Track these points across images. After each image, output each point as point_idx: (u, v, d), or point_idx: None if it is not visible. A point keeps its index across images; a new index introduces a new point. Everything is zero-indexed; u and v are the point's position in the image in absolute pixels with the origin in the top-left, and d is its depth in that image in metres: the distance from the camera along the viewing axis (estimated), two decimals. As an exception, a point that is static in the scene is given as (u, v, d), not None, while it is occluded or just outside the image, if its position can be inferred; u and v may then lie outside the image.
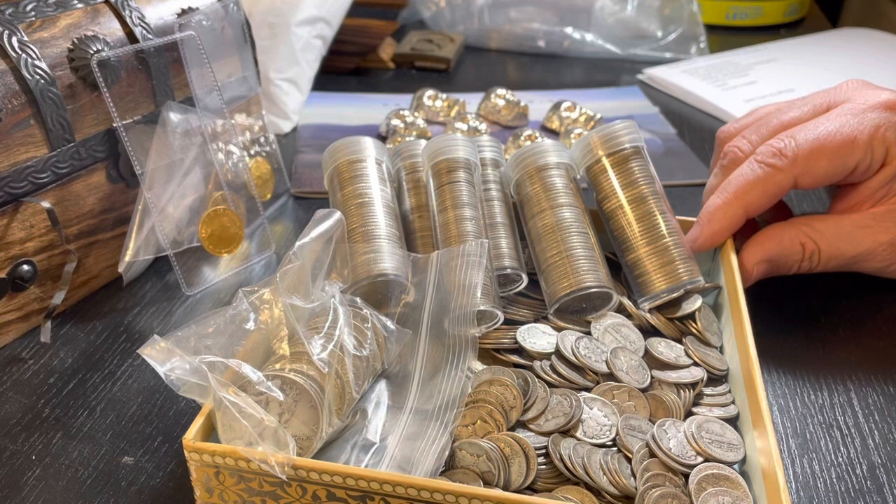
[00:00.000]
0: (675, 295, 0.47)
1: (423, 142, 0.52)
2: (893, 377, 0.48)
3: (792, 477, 0.41)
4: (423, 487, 0.33)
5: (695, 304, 0.47)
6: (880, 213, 0.50)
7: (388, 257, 0.45)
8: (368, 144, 0.50)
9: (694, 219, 0.52)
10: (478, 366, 0.44)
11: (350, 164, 0.49)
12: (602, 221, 0.50)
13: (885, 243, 0.50)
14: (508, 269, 0.48)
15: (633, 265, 0.48)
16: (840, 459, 0.42)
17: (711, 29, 1.06)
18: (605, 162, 0.49)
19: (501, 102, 0.80)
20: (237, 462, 0.35)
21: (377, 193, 0.48)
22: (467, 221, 0.47)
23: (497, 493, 0.33)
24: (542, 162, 0.50)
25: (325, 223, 0.44)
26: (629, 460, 0.38)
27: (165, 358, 0.36)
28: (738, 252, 0.50)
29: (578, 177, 0.51)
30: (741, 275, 0.49)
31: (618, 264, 0.50)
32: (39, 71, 0.48)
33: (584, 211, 0.49)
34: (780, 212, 0.57)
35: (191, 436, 0.35)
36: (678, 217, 0.50)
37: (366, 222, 0.47)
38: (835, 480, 0.41)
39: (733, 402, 0.42)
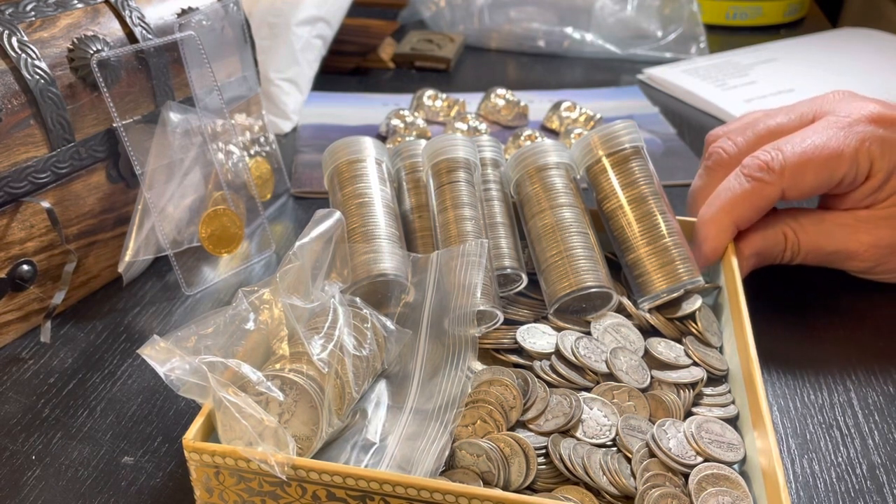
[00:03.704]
0: (674, 295, 0.47)
1: (423, 142, 0.52)
2: (893, 377, 0.48)
3: (792, 477, 0.41)
4: (422, 487, 0.33)
5: (695, 304, 0.47)
6: (862, 216, 0.51)
7: (387, 257, 0.45)
8: (368, 144, 0.50)
9: (689, 218, 0.52)
10: (478, 366, 0.44)
11: (350, 164, 0.49)
12: (602, 221, 0.50)
13: (867, 244, 0.50)
14: (508, 269, 0.48)
15: (632, 265, 0.48)
16: (840, 459, 0.42)
17: (711, 29, 1.06)
18: (605, 162, 0.49)
19: (501, 102, 0.80)
20: (237, 462, 0.35)
21: (377, 193, 0.48)
22: (467, 221, 0.47)
23: (497, 493, 0.33)
24: (542, 162, 0.50)
25: (325, 223, 0.44)
26: (629, 460, 0.38)
27: (165, 358, 0.36)
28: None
29: (578, 177, 0.51)
30: (712, 248, 0.49)
31: (618, 264, 0.49)
32: (39, 71, 0.48)
33: (583, 211, 0.49)
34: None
35: (191, 436, 0.35)
36: (678, 217, 0.50)
37: (366, 222, 0.47)
38: (835, 480, 0.41)
39: (733, 403, 0.42)
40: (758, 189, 0.49)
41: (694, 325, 0.46)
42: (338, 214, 0.45)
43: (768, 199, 0.50)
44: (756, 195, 0.49)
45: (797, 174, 0.49)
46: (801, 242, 0.51)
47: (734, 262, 0.48)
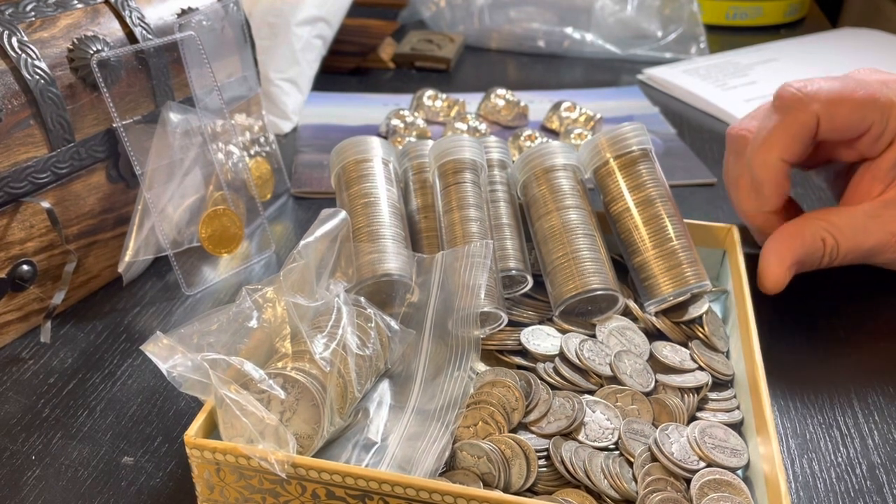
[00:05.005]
0: (681, 298, 0.46)
1: (430, 142, 0.52)
2: (893, 377, 0.48)
3: (792, 477, 0.41)
4: (422, 488, 0.33)
5: (701, 308, 0.46)
6: (890, 198, 0.50)
7: (392, 257, 0.45)
8: (375, 144, 0.50)
9: (697, 221, 0.52)
10: (481, 367, 0.44)
11: (357, 163, 0.49)
12: (609, 224, 0.50)
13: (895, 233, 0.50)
14: (513, 271, 0.48)
15: (639, 268, 0.47)
16: (840, 459, 0.42)
17: (711, 29, 1.06)
18: (613, 164, 0.49)
19: (501, 102, 0.80)
20: (237, 459, 0.35)
21: (383, 193, 0.48)
22: (472, 222, 0.47)
23: (497, 494, 0.33)
24: (549, 163, 0.49)
25: (331, 222, 0.44)
26: (631, 464, 0.38)
27: (168, 355, 0.36)
28: (759, 258, 0.50)
29: (586, 178, 0.51)
30: (773, 281, 0.49)
31: (624, 266, 0.49)
32: (39, 71, 0.48)
33: (590, 213, 0.48)
34: (790, 208, 0.57)
35: (192, 432, 0.35)
36: (686, 220, 0.50)
37: (371, 222, 0.47)
38: (834, 480, 0.41)
39: (738, 408, 0.42)
40: (792, 118, 0.49)
41: (700, 329, 0.46)
42: (343, 213, 0.45)
43: (805, 126, 0.49)
44: (793, 124, 0.49)
45: (832, 104, 0.48)
46: (841, 245, 0.50)
47: (742, 264, 0.48)
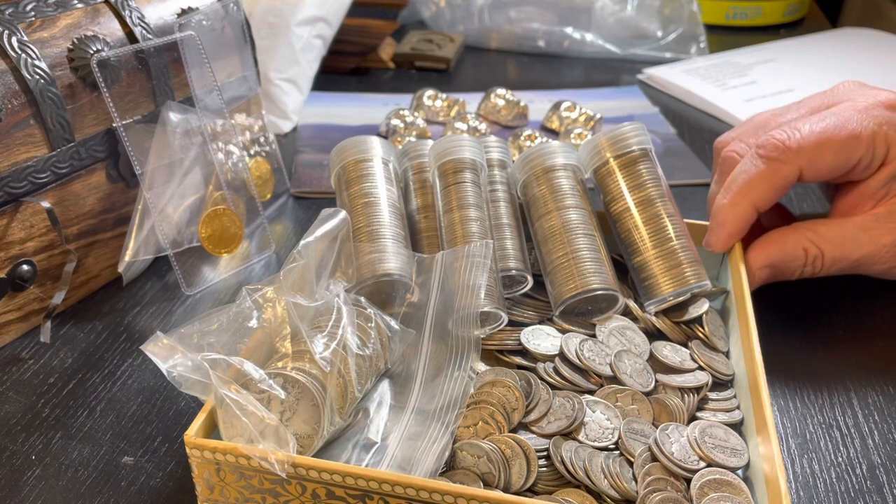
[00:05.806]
0: (681, 298, 0.46)
1: (430, 142, 0.52)
2: (893, 377, 0.48)
3: (792, 477, 0.41)
4: (422, 487, 0.33)
5: (702, 308, 0.46)
6: (882, 213, 0.50)
7: (392, 257, 0.45)
8: (375, 144, 0.50)
9: (697, 221, 0.52)
10: (481, 367, 0.44)
11: (357, 163, 0.49)
12: (609, 223, 0.50)
13: (888, 245, 0.50)
14: (513, 271, 0.48)
15: (639, 268, 0.47)
16: (840, 459, 0.42)
17: (711, 29, 1.06)
18: (613, 164, 0.49)
19: (501, 102, 0.80)
20: (238, 459, 0.35)
21: (383, 193, 0.48)
22: (472, 222, 0.47)
23: (497, 494, 0.33)
24: (549, 163, 0.49)
25: (331, 222, 0.44)
26: (631, 464, 0.38)
27: (168, 355, 0.36)
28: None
29: (586, 178, 0.51)
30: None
31: (624, 266, 0.49)
32: (39, 71, 0.48)
33: (590, 213, 0.48)
34: (780, 215, 0.57)
35: (192, 432, 0.35)
36: (686, 220, 0.50)
37: (371, 222, 0.47)
38: (834, 480, 0.41)
39: (738, 408, 0.42)
40: (775, 169, 0.48)
41: (700, 329, 0.46)
42: (343, 213, 0.45)
43: (786, 180, 0.49)
44: (774, 176, 0.48)
45: (815, 154, 0.48)
46: (826, 254, 0.49)
47: (741, 264, 0.48)
